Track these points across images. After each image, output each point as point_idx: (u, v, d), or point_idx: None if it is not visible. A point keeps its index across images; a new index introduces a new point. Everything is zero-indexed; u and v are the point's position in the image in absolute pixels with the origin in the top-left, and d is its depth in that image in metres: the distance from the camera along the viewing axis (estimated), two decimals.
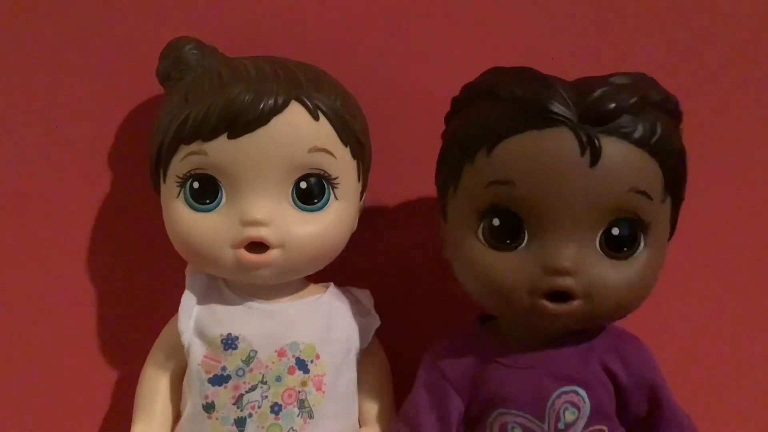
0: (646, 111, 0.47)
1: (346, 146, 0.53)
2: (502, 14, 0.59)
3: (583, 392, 0.50)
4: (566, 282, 0.47)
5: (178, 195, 0.52)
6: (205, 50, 0.54)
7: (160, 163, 0.53)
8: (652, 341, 0.53)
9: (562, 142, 0.46)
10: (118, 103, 0.61)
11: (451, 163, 0.50)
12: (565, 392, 0.50)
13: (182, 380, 0.55)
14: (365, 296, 0.58)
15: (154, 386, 0.56)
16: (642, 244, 0.48)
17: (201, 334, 0.53)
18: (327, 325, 0.55)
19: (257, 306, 0.54)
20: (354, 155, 0.54)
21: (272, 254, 0.51)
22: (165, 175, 0.53)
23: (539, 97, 0.46)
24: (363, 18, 0.61)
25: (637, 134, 0.46)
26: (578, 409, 0.50)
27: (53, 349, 0.63)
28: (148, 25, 0.61)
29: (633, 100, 0.46)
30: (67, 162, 0.62)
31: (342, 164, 0.53)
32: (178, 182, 0.52)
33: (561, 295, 0.47)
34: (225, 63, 0.53)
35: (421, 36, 0.61)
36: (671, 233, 0.51)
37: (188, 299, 0.54)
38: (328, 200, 0.53)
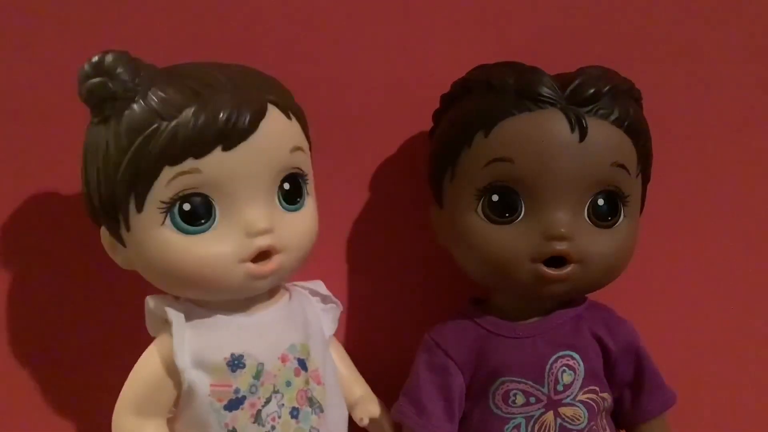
0: (618, 97, 0.53)
1: (308, 141, 0.54)
2: (486, 14, 0.63)
3: (577, 356, 0.54)
4: (563, 247, 0.51)
5: (164, 222, 0.48)
6: (137, 63, 0.49)
7: (133, 192, 0.48)
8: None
9: (554, 122, 0.51)
10: None
11: (449, 149, 0.54)
12: (562, 356, 0.54)
13: (166, 424, 0.52)
14: (319, 286, 0.58)
15: None
16: (622, 215, 0.53)
17: (201, 364, 0.50)
18: (305, 322, 0.56)
19: (245, 320, 0.53)
20: (311, 150, 0.55)
21: (276, 260, 0.51)
22: (141, 203, 0.48)
23: (531, 83, 0.51)
24: (356, 14, 0.63)
25: (614, 116, 0.52)
26: (574, 371, 0.54)
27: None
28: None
29: (607, 87, 0.52)
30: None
31: (308, 159, 0.54)
32: (162, 208, 0.48)
33: (557, 261, 0.52)
34: (177, 73, 0.49)
35: (414, 33, 0.63)
36: (641, 210, 0.57)
37: (180, 333, 0.51)
38: (305, 197, 0.53)
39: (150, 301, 0.53)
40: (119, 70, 0.48)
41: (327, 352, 0.57)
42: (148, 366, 0.52)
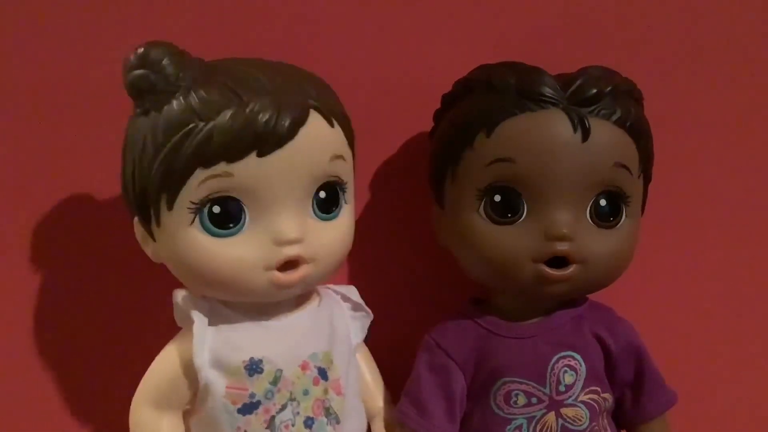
0: (620, 97, 0.53)
1: (351, 149, 0.53)
2: (486, 14, 0.64)
3: (578, 356, 0.54)
4: (565, 247, 0.51)
5: (192, 222, 0.48)
6: (183, 56, 0.48)
7: (164, 190, 0.47)
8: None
9: (556, 122, 0.51)
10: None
11: (450, 149, 0.54)
12: (563, 357, 0.54)
13: (183, 419, 0.52)
14: (352, 292, 0.58)
15: (154, 430, 0.51)
16: (624, 215, 0.54)
17: (219, 365, 0.50)
18: (332, 329, 0.54)
19: (271, 324, 0.52)
20: (353, 157, 0.54)
21: (304, 270, 0.50)
22: (172, 202, 0.47)
23: (533, 83, 0.51)
24: (356, 15, 0.63)
25: (616, 116, 0.52)
26: (576, 371, 0.54)
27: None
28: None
29: (609, 88, 0.52)
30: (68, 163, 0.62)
31: (349, 168, 0.52)
32: (192, 209, 0.47)
33: (559, 261, 0.52)
34: (221, 71, 0.48)
35: (414, 33, 0.64)
36: (642, 210, 0.57)
37: (200, 331, 0.50)
38: (341, 206, 0.52)
39: (177, 295, 0.52)
40: (164, 63, 0.47)
41: (352, 361, 0.56)
42: (167, 360, 0.52)
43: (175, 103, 0.47)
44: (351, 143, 0.53)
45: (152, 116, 0.47)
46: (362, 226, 0.59)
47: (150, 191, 0.48)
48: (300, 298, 0.55)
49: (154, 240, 0.50)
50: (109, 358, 0.64)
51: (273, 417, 0.51)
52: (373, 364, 0.60)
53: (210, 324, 0.51)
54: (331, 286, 0.58)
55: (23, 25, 0.60)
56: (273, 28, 0.62)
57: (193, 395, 0.51)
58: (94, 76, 0.60)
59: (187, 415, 0.53)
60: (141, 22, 0.61)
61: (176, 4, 0.61)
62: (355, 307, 0.57)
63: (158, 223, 0.49)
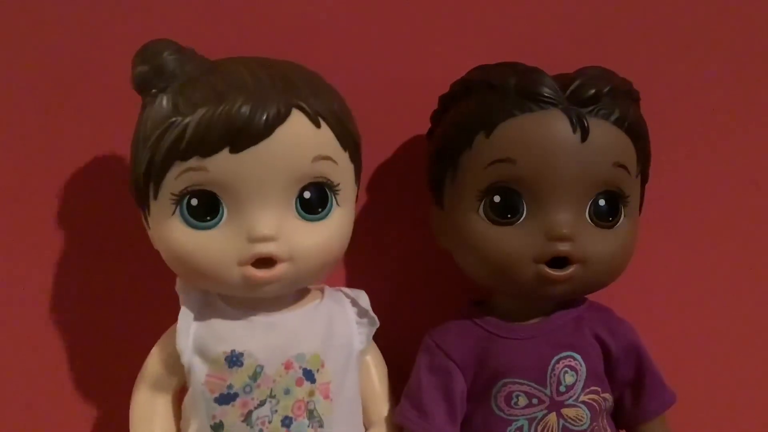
0: (618, 97, 0.53)
1: (346, 151, 0.52)
2: (488, 13, 0.64)
3: (578, 357, 0.54)
4: (566, 248, 0.51)
5: (174, 213, 0.49)
6: (185, 54, 0.50)
7: (150, 180, 0.49)
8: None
9: (555, 122, 0.51)
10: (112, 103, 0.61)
11: (449, 150, 0.54)
12: (563, 357, 0.54)
13: (177, 401, 0.54)
14: (362, 297, 0.57)
15: (149, 411, 0.54)
16: (623, 215, 0.54)
17: (201, 353, 0.51)
18: (328, 332, 0.54)
19: (259, 319, 0.53)
20: (352, 159, 0.53)
21: (280, 269, 0.50)
22: (156, 192, 0.49)
23: (532, 83, 0.51)
24: (352, 16, 0.63)
25: (615, 116, 0.52)
26: (576, 372, 0.54)
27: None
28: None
29: (607, 88, 0.52)
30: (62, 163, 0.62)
31: (342, 169, 0.52)
32: (173, 200, 0.49)
33: (560, 262, 0.52)
34: (214, 69, 0.49)
35: (410, 34, 0.64)
36: (639, 210, 0.57)
37: (185, 317, 0.52)
38: (331, 208, 0.51)
39: (177, 282, 0.54)
40: (162, 60, 0.49)
41: (351, 366, 0.55)
42: (161, 346, 0.54)
43: (164, 99, 0.48)
44: (347, 146, 0.52)
45: (147, 110, 0.50)
46: (362, 226, 0.59)
47: (140, 181, 0.50)
48: (298, 296, 0.55)
49: (149, 228, 0.52)
50: (118, 345, 0.64)
51: (251, 411, 0.51)
52: (383, 370, 0.59)
53: (202, 313, 0.53)
54: (344, 289, 0.58)
55: (38, 25, 0.61)
56: (271, 29, 0.62)
57: (182, 379, 0.53)
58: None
59: (182, 398, 0.54)
60: (154, 21, 0.62)
61: (186, 3, 0.62)
62: (362, 313, 0.57)
63: (149, 212, 0.51)
